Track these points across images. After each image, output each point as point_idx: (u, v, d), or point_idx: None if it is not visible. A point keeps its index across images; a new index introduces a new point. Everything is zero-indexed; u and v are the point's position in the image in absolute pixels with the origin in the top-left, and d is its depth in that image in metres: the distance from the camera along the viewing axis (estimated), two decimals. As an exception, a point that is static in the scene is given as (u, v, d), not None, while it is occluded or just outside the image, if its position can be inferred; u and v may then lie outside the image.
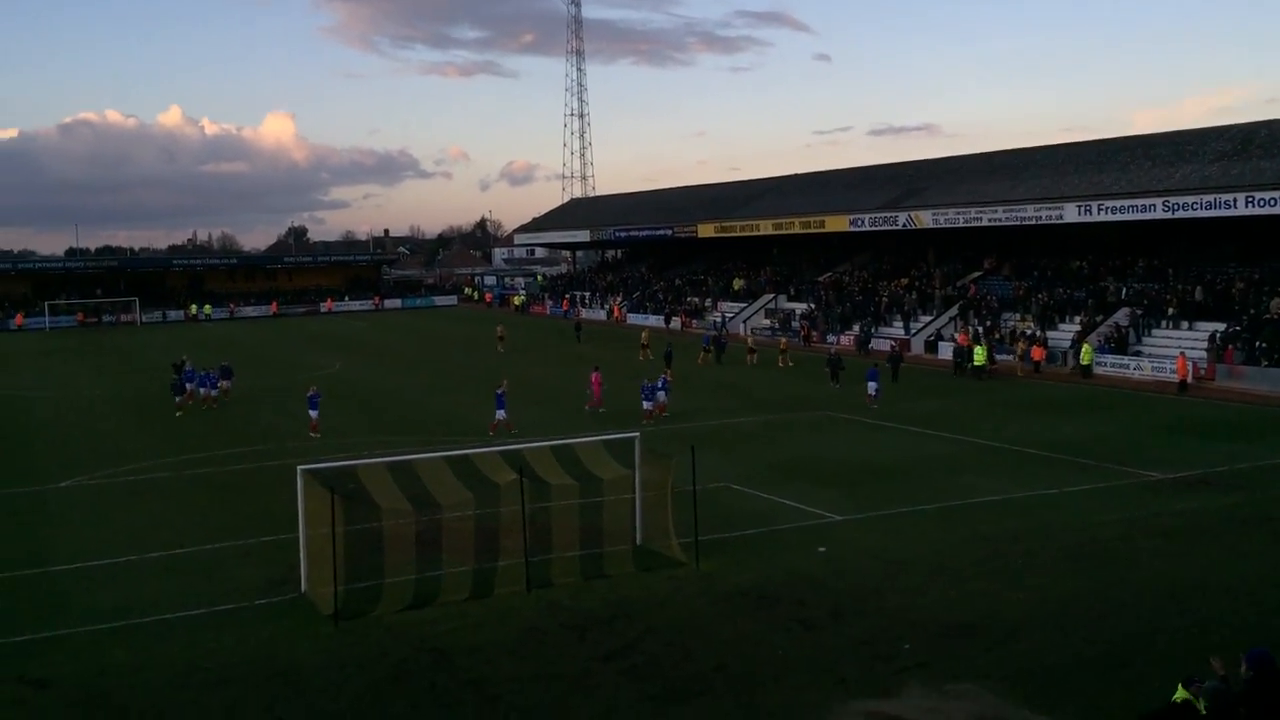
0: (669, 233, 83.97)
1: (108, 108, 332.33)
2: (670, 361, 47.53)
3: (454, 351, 61.57)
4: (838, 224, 66.86)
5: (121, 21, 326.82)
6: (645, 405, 36.09)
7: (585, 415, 37.49)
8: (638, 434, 23.24)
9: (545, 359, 57.19)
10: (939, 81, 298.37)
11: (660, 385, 37.34)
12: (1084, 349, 47.69)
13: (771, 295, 72.68)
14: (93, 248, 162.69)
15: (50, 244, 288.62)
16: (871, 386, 39.24)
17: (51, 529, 24.64)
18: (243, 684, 15.61)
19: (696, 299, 78.24)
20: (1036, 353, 48.85)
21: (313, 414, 34.72)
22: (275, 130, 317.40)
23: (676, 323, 74.06)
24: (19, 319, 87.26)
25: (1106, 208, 50.82)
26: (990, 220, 56.97)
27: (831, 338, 59.82)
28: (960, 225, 58.98)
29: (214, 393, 41.55)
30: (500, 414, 34.24)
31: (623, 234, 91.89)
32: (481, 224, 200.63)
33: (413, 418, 38.51)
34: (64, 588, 20.34)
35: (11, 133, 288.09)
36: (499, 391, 35.12)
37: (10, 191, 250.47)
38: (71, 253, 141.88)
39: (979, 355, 47.33)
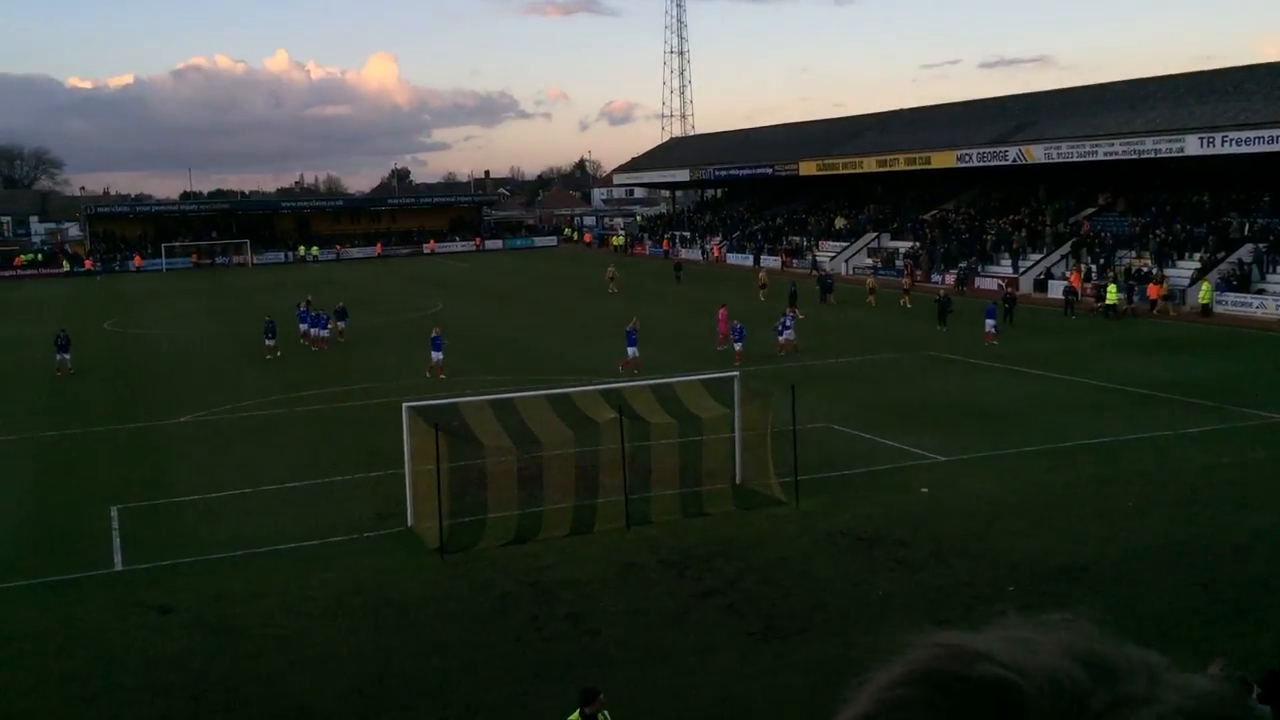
0: (769, 171, 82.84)
1: (218, 53, 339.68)
2: (795, 301, 46.33)
3: (556, 292, 61.92)
4: (944, 160, 65.15)
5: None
6: (781, 337, 37.13)
7: (715, 355, 36.90)
8: (737, 373, 23.15)
9: (651, 299, 57.12)
10: (1054, 10, 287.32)
11: (787, 323, 37.80)
12: (1203, 287, 45.90)
13: (874, 234, 71.39)
14: (205, 191, 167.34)
15: (165, 188, 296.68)
16: (990, 324, 38.69)
17: (172, 462, 25.64)
18: (352, 613, 16.12)
19: (797, 238, 77.26)
20: (1153, 290, 47.19)
21: (436, 355, 35.24)
22: (378, 73, 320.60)
23: (776, 262, 73.25)
24: (137, 260, 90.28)
25: (1230, 139, 48.52)
26: (1106, 154, 54.88)
27: (936, 277, 58.60)
28: (1074, 160, 56.95)
29: (324, 334, 41.51)
30: (632, 351, 34.48)
31: (722, 173, 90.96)
32: (580, 164, 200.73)
33: (516, 357, 38.95)
34: (184, 518, 21.18)
35: (127, 79, 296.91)
36: (630, 329, 35.25)
37: (127, 136, 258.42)
38: (185, 196, 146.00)
39: (1111, 294, 45.76)
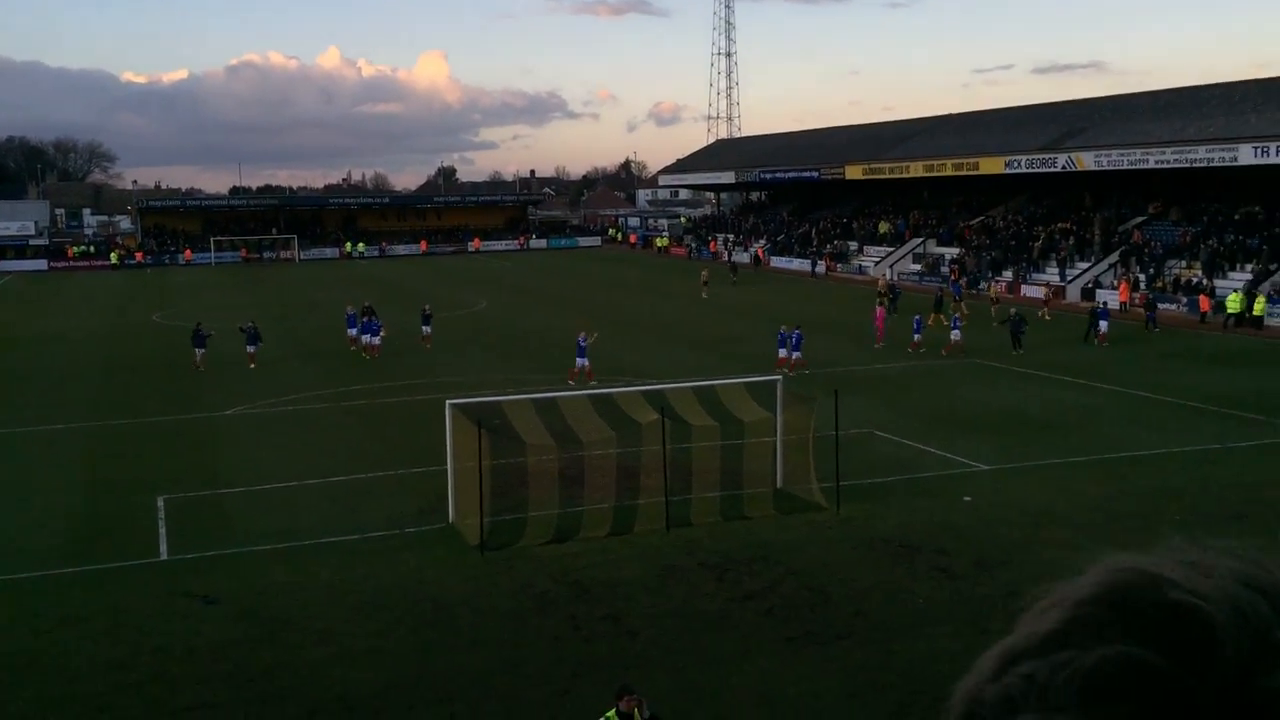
0: (815, 174, 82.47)
1: (270, 49, 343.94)
2: (940, 307, 44.54)
3: (601, 292, 61.94)
4: (992, 165, 64.53)
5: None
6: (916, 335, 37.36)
7: (869, 353, 38.20)
8: (779, 377, 23.10)
9: (727, 304, 56.93)
10: (1109, 15, 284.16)
11: (956, 322, 38.86)
12: (1258, 299, 45.13)
13: (920, 239, 70.88)
14: (254, 186, 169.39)
15: (215, 182, 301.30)
16: (1103, 325, 39.80)
17: (218, 454, 25.96)
18: (393, 607, 16.25)
19: (843, 242, 76.87)
20: (1204, 302, 46.48)
21: (363, 336, 38.06)
22: (429, 71, 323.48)
23: (821, 267, 72.94)
24: (187, 254, 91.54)
25: (1286, 149, 47.66)
26: (1157, 162, 54.10)
27: (981, 284, 58.03)
28: (1124, 167, 56.19)
29: (376, 340, 38.61)
30: (796, 354, 34.51)
31: (768, 175, 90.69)
32: (626, 165, 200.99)
33: (559, 357, 39.03)
34: (230, 510, 21.45)
35: (181, 74, 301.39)
36: (783, 332, 35.11)
37: (180, 131, 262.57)
38: (235, 191, 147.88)
39: (1233, 302, 44.70)
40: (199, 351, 37.15)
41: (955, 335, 38.27)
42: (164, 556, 18.85)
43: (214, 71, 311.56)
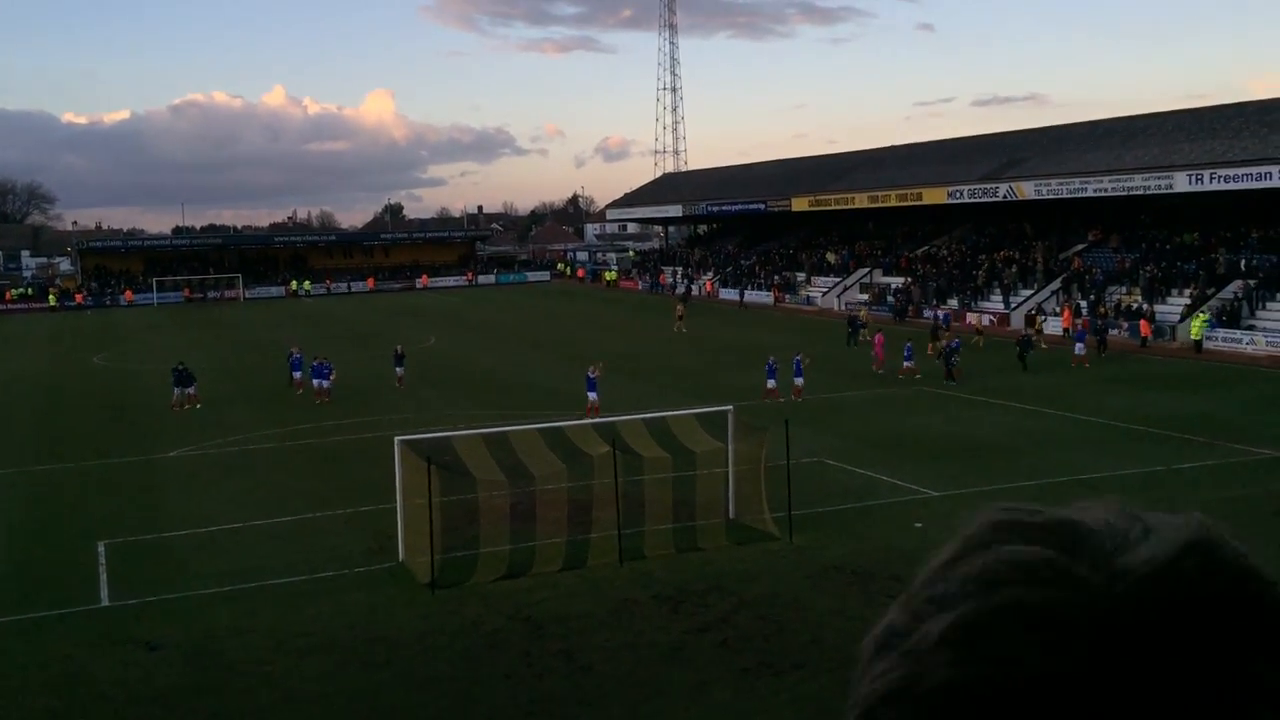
0: (762, 207, 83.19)
1: (215, 89, 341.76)
2: (936, 335, 44.85)
3: (549, 326, 61.86)
4: (935, 196, 65.50)
5: (229, 2, 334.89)
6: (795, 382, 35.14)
7: (872, 377, 38.93)
8: (730, 407, 23.10)
9: (686, 337, 57.10)
10: (1047, 49, 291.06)
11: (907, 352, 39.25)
12: (1194, 322, 46.05)
13: (866, 270, 71.64)
14: (198, 226, 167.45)
15: (158, 223, 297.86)
16: (1079, 348, 41.50)
17: (160, 497, 25.44)
18: (343, 649, 15.94)
19: (790, 273, 77.49)
20: (1144, 327, 47.34)
21: (296, 375, 38.00)
22: (376, 109, 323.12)
23: (768, 297, 73.45)
24: (128, 295, 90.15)
25: (1219, 176, 48.86)
26: (1095, 191, 55.21)
27: (928, 312, 58.69)
28: (1064, 196, 57.28)
29: (326, 384, 37.10)
30: (799, 379, 34.71)
31: (715, 208, 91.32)
32: (574, 200, 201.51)
33: (508, 392, 38.84)
34: (173, 553, 20.99)
35: (123, 114, 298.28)
36: (771, 363, 35.13)
37: (121, 171, 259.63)
38: (178, 231, 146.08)
39: (1196, 329, 45.55)
40: (180, 391, 36.51)
41: (908, 363, 38.89)
42: (105, 603, 18.37)
43: (157, 111, 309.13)
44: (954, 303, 59.99)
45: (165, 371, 39.41)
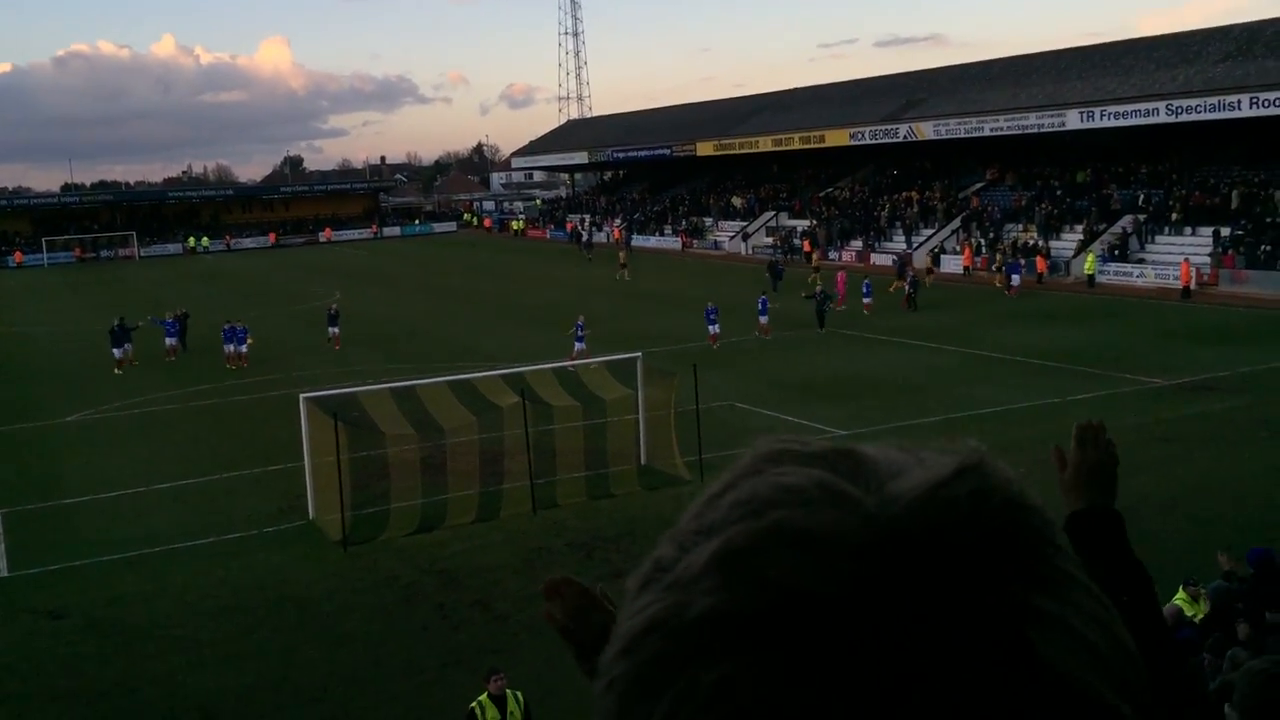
0: (668, 152, 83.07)
1: (100, 38, 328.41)
2: (903, 273, 45.50)
3: (456, 278, 61.24)
4: (838, 138, 66.08)
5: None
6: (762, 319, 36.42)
7: (833, 314, 38.63)
8: (639, 354, 23.22)
9: (596, 286, 56.84)
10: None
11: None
12: (1087, 258, 47.40)
13: (772, 213, 72.16)
14: (88, 183, 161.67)
15: (46, 180, 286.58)
16: (1015, 279, 44.44)
17: (60, 463, 24.78)
18: (253, 610, 15.81)
19: (697, 218, 77.71)
20: (1040, 264, 48.56)
21: (169, 340, 37.02)
22: (272, 58, 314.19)
23: (676, 242, 73.70)
24: (18, 256, 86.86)
25: (1109, 113, 50.13)
26: (992, 130, 56.25)
27: (833, 254, 59.46)
28: (962, 136, 58.25)
29: (243, 349, 35.27)
30: (764, 318, 35.97)
31: (621, 154, 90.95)
32: (479, 149, 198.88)
33: (417, 345, 38.45)
34: (75, 520, 20.52)
35: (5, 67, 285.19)
36: (710, 309, 35.12)
37: (4, 127, 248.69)
38: (67, 188, 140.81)
39: (1089, 265, 47.01)
40: (120, 350, 35.29)
41: (867, 300, 39.91)
42: (4, 573, 17.92)
43: (40, 64, 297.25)
44: (858, 244, 60.81)
45: (60, 335, 38.17)
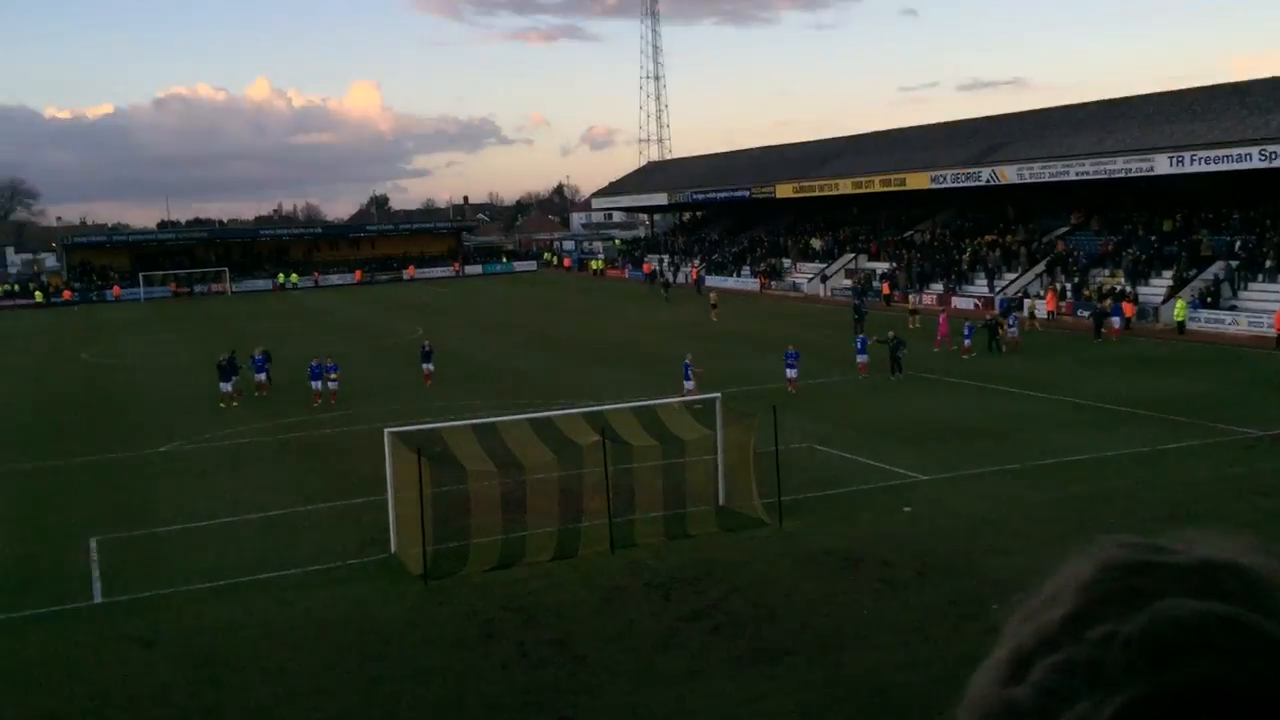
0: (746, 194, 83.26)
1: (198, 81, 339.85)
2: (1007, 313, 45.23)
3: (538, 316, 61.85)
4: (919, 181, 65.65)
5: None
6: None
7: (920, 357, 38.77)
8: (718, 395, 23.22)
9: (674, 324, 57.10)
10: (1029, 33, 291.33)
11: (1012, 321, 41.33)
12: (1177, 305, 46.33)
13: (851, 255, 71.80)
14: (184, 220, 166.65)
15: (143, 217, 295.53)
16: (1116, 321, 44.80)
17: (152, 492, 25.44)
18: (336, 642, 16.02)
19: (775, 260, 77.62)
20: (1127, 309, 47.60)
21: (259, 376, 36.42)
22: (361, 100, 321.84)
23: (755, 283, 73.69)
24: (115, 290, 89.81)
25: (1200, 158, 49.10)
26: (1077, 174, 55.42)
27: (912, 296, 58.88)
28: (1046, 180, 57.50)
29: (333, 385, 35.29)
30: (863, 357, 36.96)
31: (700, 196, 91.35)
32: (559, 189, 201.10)
33: (499, 381, 38.85)
34: (165, 549, 21.02)
35: (107, 108, 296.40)
36: (790, 352, 35.04)
37: (105, 166, 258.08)
38: (164, 225, 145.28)
39: (1179, 311, 45.63)
40: (228, 384, 35.33)
41: (967, 342, 40.64)
42: (98, 600, 18.42)
43: (140, 105, 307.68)
44: (938, 287, 60.17)
45: (155, 367, 39.26)
